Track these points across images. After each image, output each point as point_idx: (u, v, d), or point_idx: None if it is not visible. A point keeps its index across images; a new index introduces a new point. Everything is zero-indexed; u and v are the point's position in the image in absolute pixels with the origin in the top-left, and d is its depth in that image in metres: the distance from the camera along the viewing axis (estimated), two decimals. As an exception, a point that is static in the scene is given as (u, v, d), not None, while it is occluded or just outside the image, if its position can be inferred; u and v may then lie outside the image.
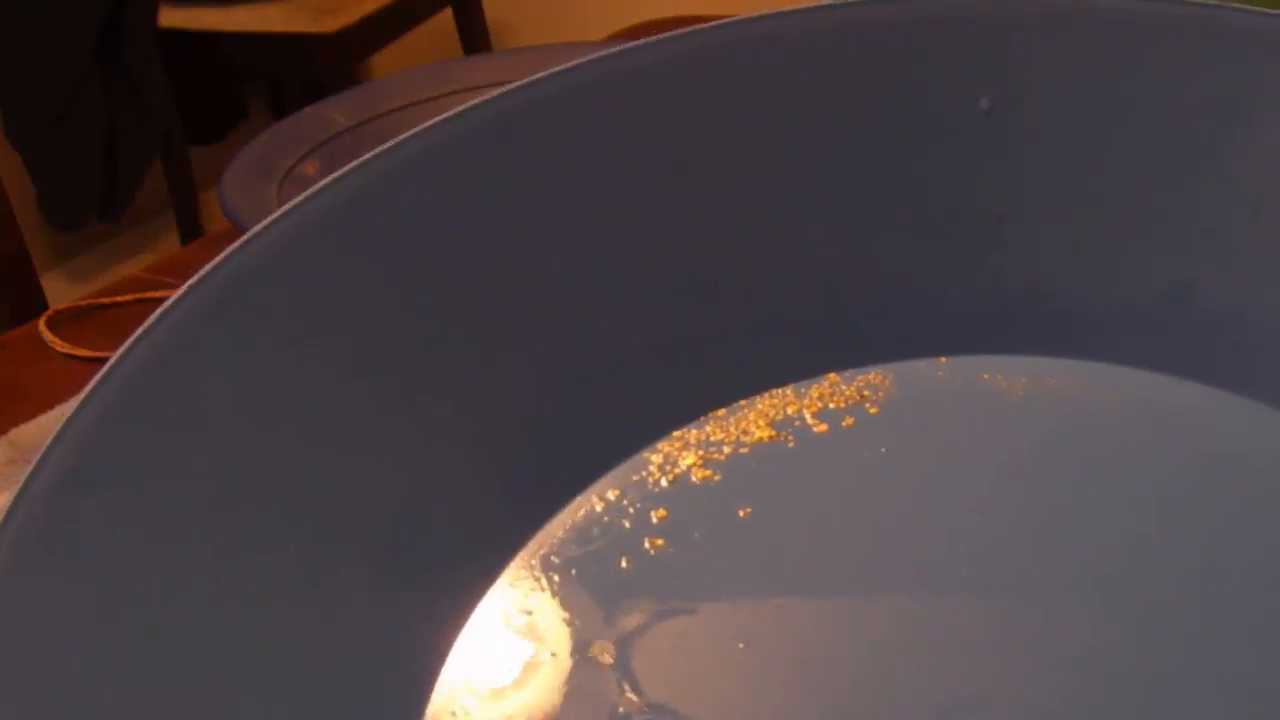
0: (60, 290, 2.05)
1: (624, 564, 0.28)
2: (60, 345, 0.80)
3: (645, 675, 0.26)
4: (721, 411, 0.28)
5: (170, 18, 1.97)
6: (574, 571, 0.27)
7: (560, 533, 0.28)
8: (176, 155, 2.04)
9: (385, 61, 2.25)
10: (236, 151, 0.91)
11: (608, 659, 0.27)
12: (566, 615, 0.28)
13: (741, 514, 0.27)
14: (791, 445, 0.28)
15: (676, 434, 0.28)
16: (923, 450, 0.28)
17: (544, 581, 0.28)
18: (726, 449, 0.28)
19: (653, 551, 0.28)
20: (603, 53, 0.30)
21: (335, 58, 1.92)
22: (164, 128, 1.99)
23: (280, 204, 0.86)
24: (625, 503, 0.28)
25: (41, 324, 0.82)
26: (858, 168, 0.27)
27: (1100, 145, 0.27)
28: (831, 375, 0.29)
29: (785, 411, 0.28)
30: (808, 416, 0.28)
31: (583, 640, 0.27)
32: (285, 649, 0.25)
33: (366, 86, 1.01)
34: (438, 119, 0.28)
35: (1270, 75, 0.25)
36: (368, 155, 0.28)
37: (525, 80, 0.28)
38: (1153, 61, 0.26)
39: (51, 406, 0.74)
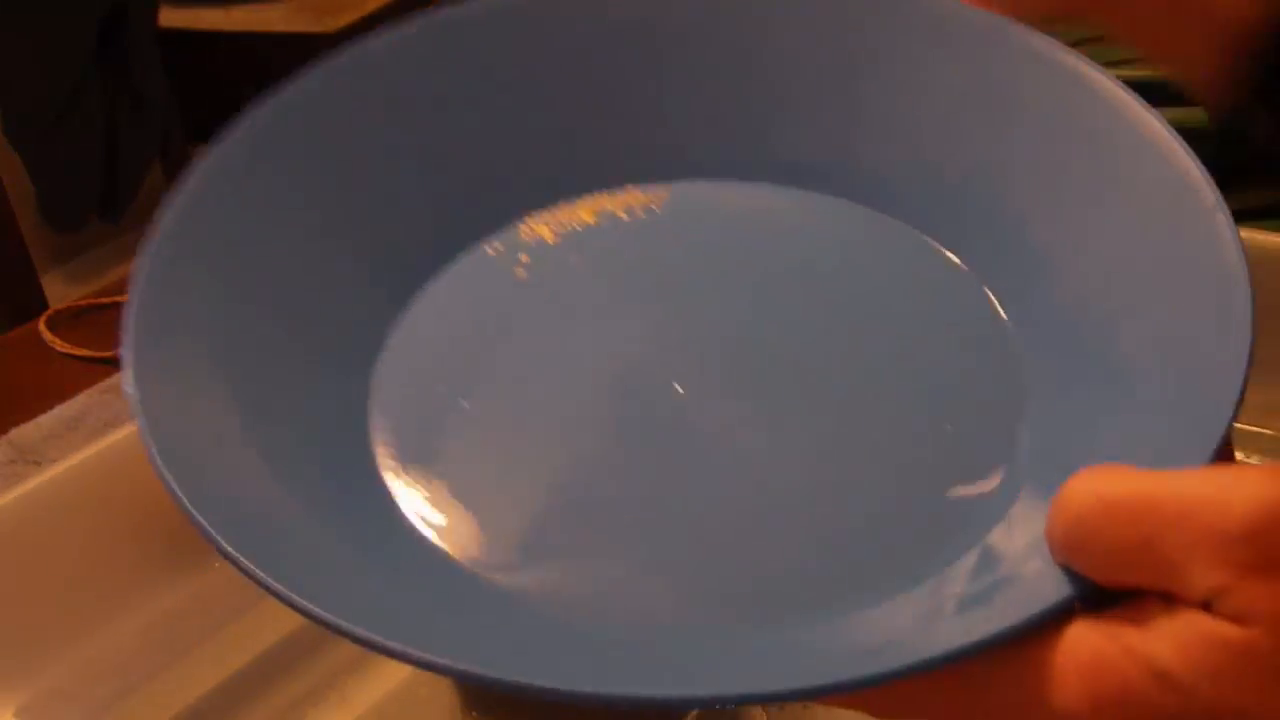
0: (60, 290, 2.05)
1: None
2: (60, 345, 0.80)
3: None
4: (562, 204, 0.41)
5: (170, 18, 1.97)
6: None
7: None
8: (176, 155, 2.04)
9: (385, 61, 2.25)
10: (236, 151, 0.91)
11: None
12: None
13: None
14: (601, 225, 0.41)
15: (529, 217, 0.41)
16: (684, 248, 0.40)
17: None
18: (566, 226, 0.41)
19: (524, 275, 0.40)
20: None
21: (335, 58, 1.92)
22: (164, 128, 1.99)
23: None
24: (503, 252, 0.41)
25: (41, 324, 0.82)
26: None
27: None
28: (629, 187, 0.41)
29: (602, 206, 0.41)
30: (618, 211, 0.41)
31: None
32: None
33: (366, 86, 1.01)
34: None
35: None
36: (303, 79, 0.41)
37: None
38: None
39: (51, 406, 0.74)
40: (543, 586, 0.32)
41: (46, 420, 0.73)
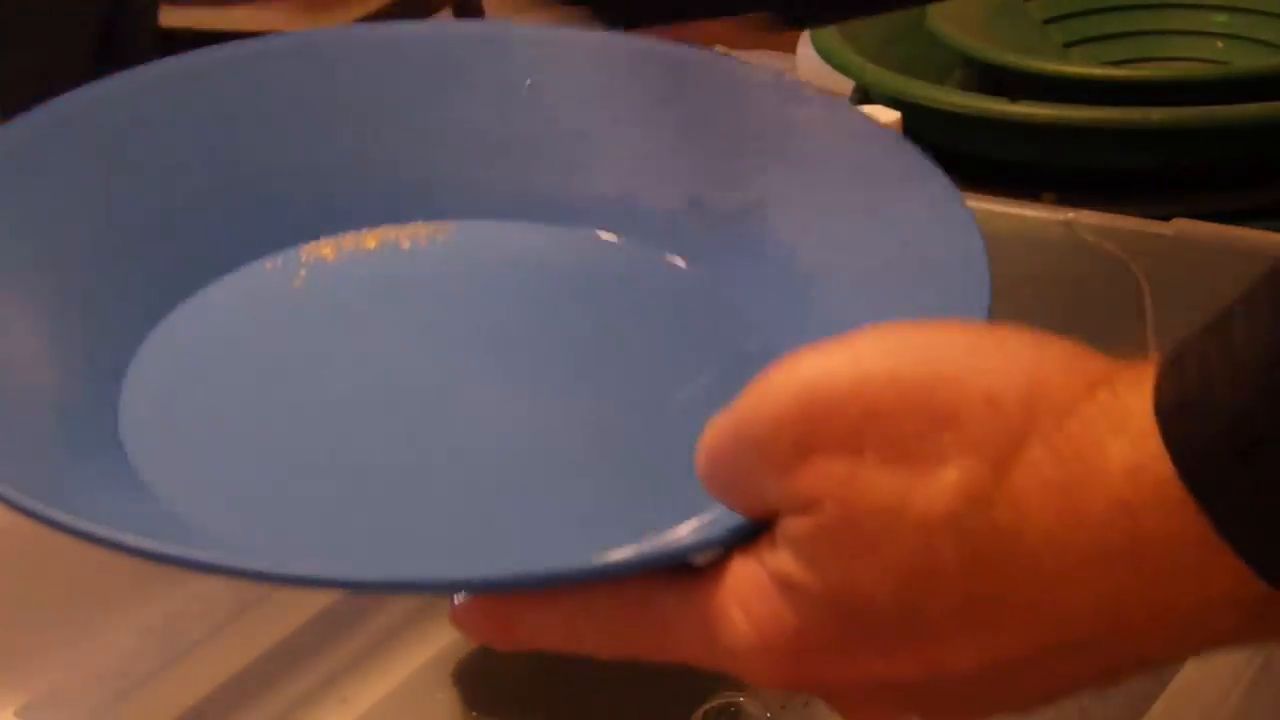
0: (60, 290, 2.05)
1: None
2: (60, 345, 0.80)
3: None
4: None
5: (170, 18, 1.97)
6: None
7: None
8: (176, 155, 2.04)
9: (385, 61, 2.25)
10: (236, 151, 0.91)
11: None
12: None
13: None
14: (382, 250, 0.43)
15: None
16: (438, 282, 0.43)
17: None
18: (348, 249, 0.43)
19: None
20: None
21: (335, 58, 1.92)
22: (164, 128, 1.99)
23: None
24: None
25: (41, 324, 0.82)
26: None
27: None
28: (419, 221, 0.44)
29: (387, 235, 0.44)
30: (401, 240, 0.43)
31: None
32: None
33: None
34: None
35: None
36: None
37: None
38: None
39: (51, 406, 0.74)
40: (229, 522, 0.35)
41: (46, 420, 0.73)
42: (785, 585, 0.27)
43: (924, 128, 0.69)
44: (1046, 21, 0.87)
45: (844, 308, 0.38)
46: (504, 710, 0.50)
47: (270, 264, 0.42)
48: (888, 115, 0.67)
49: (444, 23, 0.43)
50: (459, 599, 0.31)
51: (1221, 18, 0.86)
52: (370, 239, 0.43)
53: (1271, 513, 0.24)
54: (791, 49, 0.95)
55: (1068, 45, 0.87)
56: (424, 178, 0.44)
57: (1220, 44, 0.85)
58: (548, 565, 0.29)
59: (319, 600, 0.53)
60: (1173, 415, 0.25)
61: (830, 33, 0.78)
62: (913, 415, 0.26)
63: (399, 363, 0.40)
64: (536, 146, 0.44)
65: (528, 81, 0.44)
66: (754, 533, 0.29)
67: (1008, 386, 0.26)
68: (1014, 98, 0.69)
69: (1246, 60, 0.84)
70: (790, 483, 0.27)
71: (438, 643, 0.53)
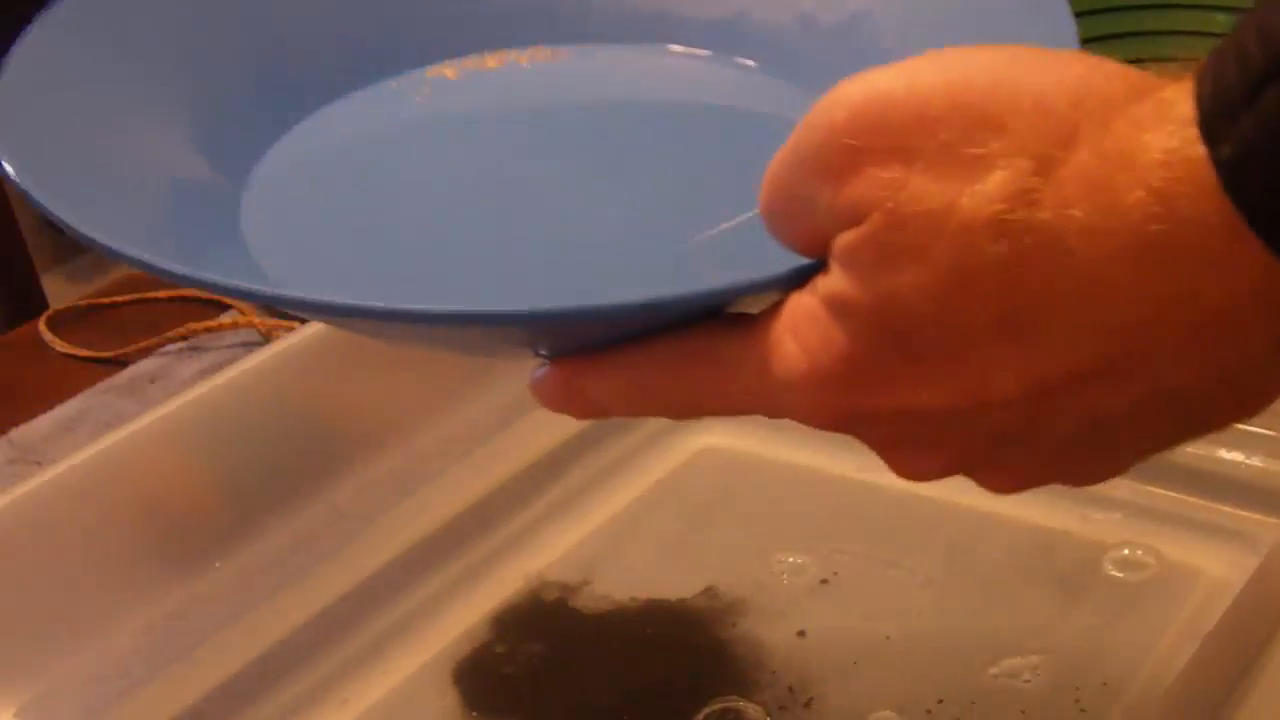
0: (60, 290, 2.05)
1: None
2: (60, 345, 0.80)
3: None
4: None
5: (170, 18, 1.97)
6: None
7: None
8: (176, 155, 2.04)
9: (385, 61, 2.25)
10: (236, 151, 0.91)
11: None
12: None
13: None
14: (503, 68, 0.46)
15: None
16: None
17: None
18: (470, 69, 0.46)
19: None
20: None
21: (335, 58, 1.92)
22: (164, 128, 1.99)
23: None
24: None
25: (41, 324, 0.82)
26: None
27: None
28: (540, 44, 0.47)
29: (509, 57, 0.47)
30: (521, 60, 0.47)
31: None
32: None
33: (366, 86, 1.01)
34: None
35: None
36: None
37: None
38: None
39: (51, 406, 0.74)
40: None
41: (46, 420, 0.73)
42: (834, 305, 0.28)
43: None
44: (1046, 22, 0.87)
45: None
46: (504, 710, 0.50)
47: (395, 83, 0.45)
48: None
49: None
50: (536, 372, 0.32)
51: (1221, 18, 0.86)
52: (492, 60, 0.46)
53: None
54: (791, 49, 0.95)
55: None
56: (544, 3, 0.47)
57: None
58: (612, 298, 0.29)
59: (319, 600, 0.53)
60: (1206, 96, 0.24)
61: (830, 33, 0.78)
62: (963, 121, 0.26)
63: (505, 161, 0.43)
64: None
65: None
66: (808, 274, 0.29)
67: (1058, 91, 0.26)
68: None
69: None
70: (842, 194, 0.27)
71: (438, 643, 0.53)
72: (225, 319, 0.78)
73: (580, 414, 0.33)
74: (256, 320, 0.77)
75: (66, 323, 0.83)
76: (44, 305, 1.52)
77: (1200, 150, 0.24)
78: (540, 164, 0.43)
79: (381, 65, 0.45)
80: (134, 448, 0.50)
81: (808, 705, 0.48)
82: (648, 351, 0.31)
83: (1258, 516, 0.54)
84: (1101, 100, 0.26)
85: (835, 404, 0.29)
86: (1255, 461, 0.55)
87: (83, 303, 0.85)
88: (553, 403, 0.33)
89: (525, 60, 0.46)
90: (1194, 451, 0.55)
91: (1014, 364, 0.27)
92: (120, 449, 0.50)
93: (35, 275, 1.64)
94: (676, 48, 0.46)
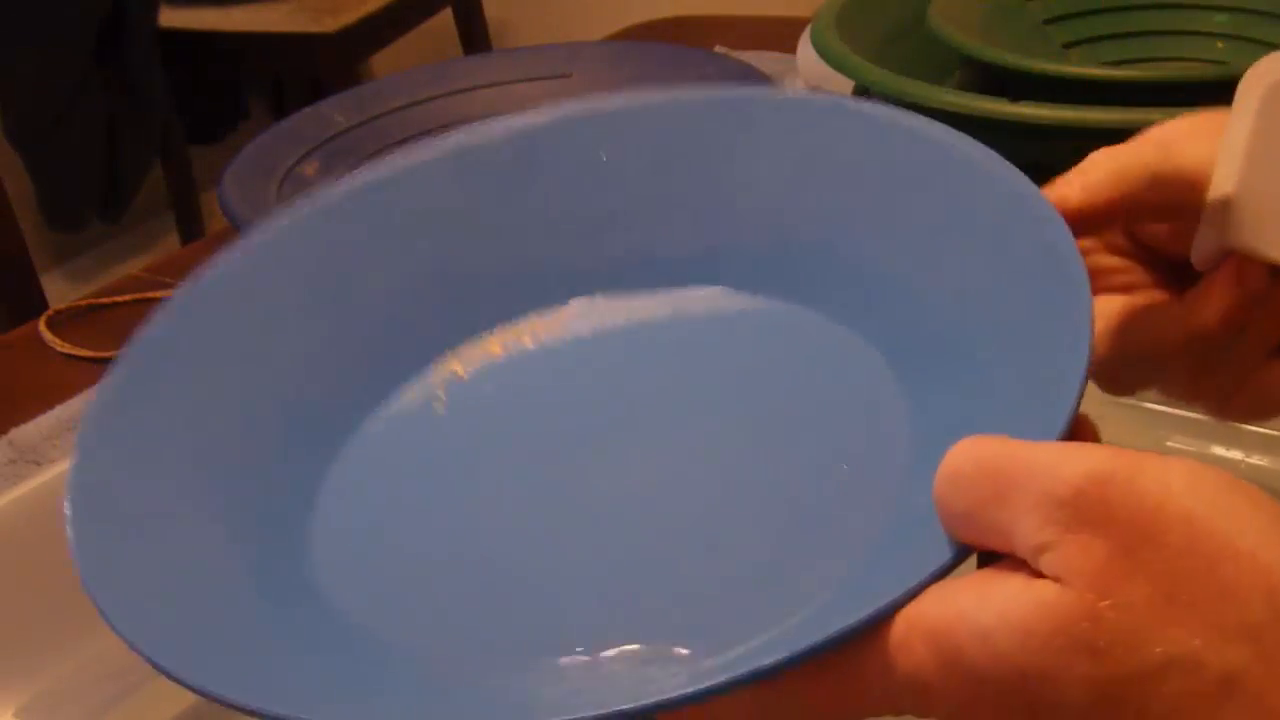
0: (60, 290, 2.05)
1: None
2: (60, 345, 0.80)
3: None
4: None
5: (170, 18, 1.97)
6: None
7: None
8: (176, 155, 2.04)
9: (385, 61, 2.25)
10: (236, 151, 0.91)
11: None
12: None
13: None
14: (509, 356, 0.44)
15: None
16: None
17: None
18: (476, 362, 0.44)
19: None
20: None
21: (335, 58, 1.92)
22: (164, 128, 1.99)
23: (280, 203, 0.86)
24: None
25: (41, 324, 0.82)
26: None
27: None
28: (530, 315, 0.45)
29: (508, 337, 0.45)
30: (523, 339, 0.45)
31: None
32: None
33: (366, 86, 1.01)
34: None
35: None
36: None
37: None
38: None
39: (51, 406, 0.74)
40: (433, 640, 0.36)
41: (46, 420, 0.73)
42: (980, 636, 0.27)
43: (924, 128, 0.69)
44: (1046, 22, 0.87)
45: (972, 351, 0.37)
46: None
47: (409, 392, 0.43)
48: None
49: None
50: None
51: (1221, 18, 0.86)
52: (494, 344, 0.44)
53: None
54: (792, 49, 0.95)
55: (1067, 46, 0.87)
56: (526, 270, 0.45)
57: (1220, 44, 0.85)
58: (754, 665, 0.28)
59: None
60: None
61: (830, 33, 0.78)
62: (1195, 569, 0.26)
63: (563, 454, 0.41)
64: (615, 216, 0.45)
65: (602, 155, 0.45)
66: (951, 569, 0.29)
67: None
68: (1014, 98, 0.69)
69: (1246, 60, 0.84)
70: (1056, 543, 0.27)
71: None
72: (225, 319, 0.78)
73: None
74: (256, 320, 0.77)
75: (66, 323, 0.83)
76: (44, 305, 1.53)
77: None
78: (589, 444, 0.41)
79: (391, 369, 0.44)
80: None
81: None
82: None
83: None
84: None
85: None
86: (1255, 461, 0.55)
87: (83, 303, 0.85)
88: None
89: (526, 337, 0.45)
90: (1195, 451, 0.55)
91: None
92: (120, 449, 0.50)
93: (35, 275, 1.64)
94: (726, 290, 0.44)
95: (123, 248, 2.23)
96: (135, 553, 0.36)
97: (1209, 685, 0.25)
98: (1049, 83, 0.75)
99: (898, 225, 0.40)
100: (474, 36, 2.19)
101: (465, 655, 0.35)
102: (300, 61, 1.98)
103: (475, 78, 1.00)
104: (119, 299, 0.85)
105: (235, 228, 0.82)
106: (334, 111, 0.96)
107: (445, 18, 2.17)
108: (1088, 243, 0.41)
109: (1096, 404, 0.34)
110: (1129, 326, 0.41)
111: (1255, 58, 0.38)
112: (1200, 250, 0.37)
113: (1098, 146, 0.40)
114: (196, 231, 2.04)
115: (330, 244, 0.44)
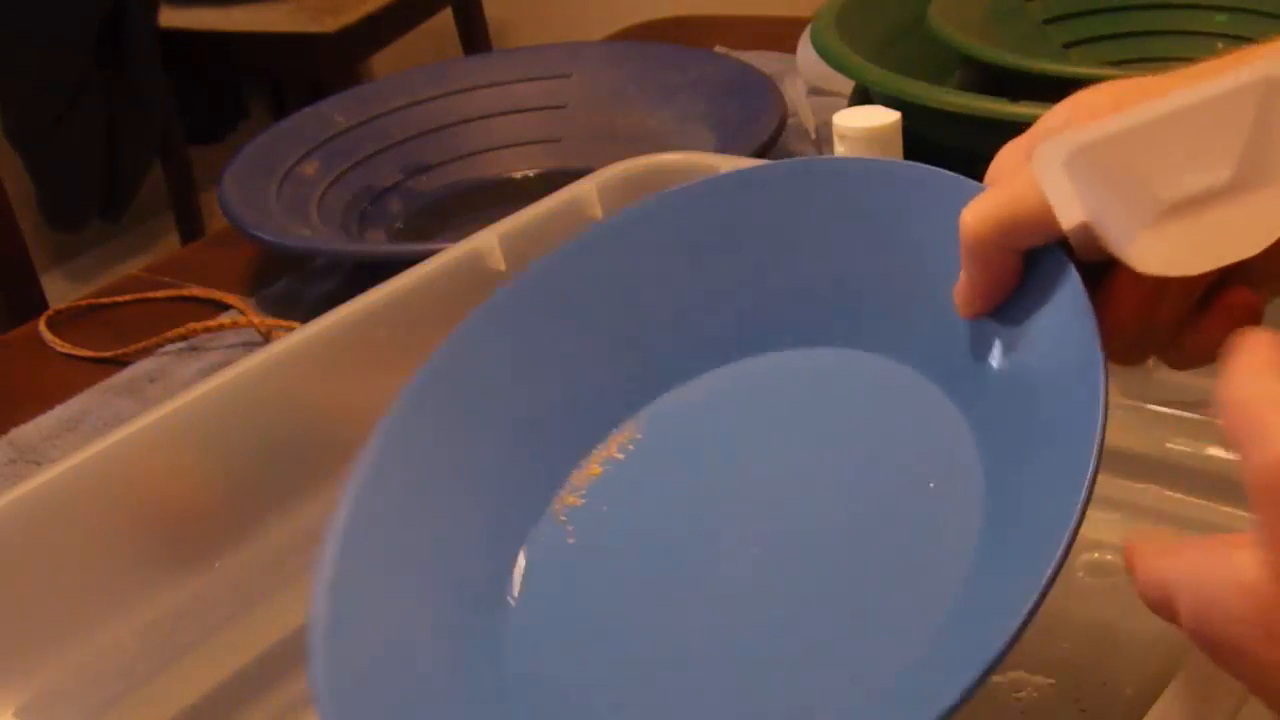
0: (60, 290, 2.05)
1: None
2: (60, 345, 0.80)
3: None
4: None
5: (170, 18, 1.97)
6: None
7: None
8: (176, 155, 2.04)
9: (385, 61, 2.25)
10: (236, 151, 0.91)
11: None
12: None
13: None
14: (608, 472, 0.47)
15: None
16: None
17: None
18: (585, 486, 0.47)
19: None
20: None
21: (335, 58, 1.92)
22: (164, 128, 1.99)
23: (280, 203, 0.86)
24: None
25: (41, 324, 0.82)
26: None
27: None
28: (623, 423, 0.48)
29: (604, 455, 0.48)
30: (614, 453, 0.47)
31: None
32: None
33: (366, 86, 1.01)
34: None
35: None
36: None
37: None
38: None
39: (51, 406, 0.74)
40: None
41: (46, 420, 0.73)
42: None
43: (924, 128, 0.69)
44: (1046, 22, 0.87)
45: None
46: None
47: (538, 530, 0.46)
48: (887, 115, 0.67)
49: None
50: None
51: (1221, 18, 0.86)
52: (594, 467, 0.47)
53: None
54: (792, 49, 0.95)
55: (1067, 46, 0.87)
56: (624, 376, 0.48)
57: (1220, 44, 0.85)
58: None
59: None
60: None
61: (830, 33, 0.78)
62: None
63: (696, 549, 0.44)
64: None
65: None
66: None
67: None
68: (1014, 98, 0.69)
69: (1246, 60, 0.83)
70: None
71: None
72: (225, 319, 0.78)
73: None
74: (256, 320, 0.77)
75: (66, 323, 0.83)
76: (44, 305, 1.53)
77: None
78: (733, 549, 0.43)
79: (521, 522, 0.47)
80: (134, 448, 0.50)
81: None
82: None
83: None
84: None
85: None
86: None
87: (83, 303, 0.85)
88: None
89: (616, 451, 0.47)
90: (1194, 451, 0.55)
91: None
92: (120, 449, 0.50)
93: (35, 275, 1.64)
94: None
95: (123, 248, 2.23)
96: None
97: None
98: (1049, 83, 0.75)
99: (953, 274, 0.40)
100: (474, 36, 2.19)
101: None
102: (300, 61, 1.98)
103: (475, 78, 1.00)
104: (119, 299, 0.85)
105: (235, 227, 0.82)
106: (334, 111, 0.96)
107: (445, 18, 2.16)
108: None
109: (1096, 404, 0.34)
110: None
111: (1255, 58, 0.38)
112: (1086, 256, 0.37)
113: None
114: (196, 231, 2.03)
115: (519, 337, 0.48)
